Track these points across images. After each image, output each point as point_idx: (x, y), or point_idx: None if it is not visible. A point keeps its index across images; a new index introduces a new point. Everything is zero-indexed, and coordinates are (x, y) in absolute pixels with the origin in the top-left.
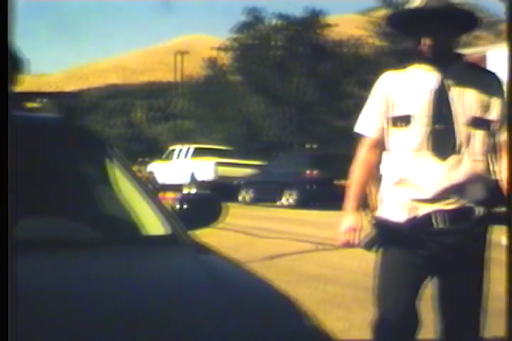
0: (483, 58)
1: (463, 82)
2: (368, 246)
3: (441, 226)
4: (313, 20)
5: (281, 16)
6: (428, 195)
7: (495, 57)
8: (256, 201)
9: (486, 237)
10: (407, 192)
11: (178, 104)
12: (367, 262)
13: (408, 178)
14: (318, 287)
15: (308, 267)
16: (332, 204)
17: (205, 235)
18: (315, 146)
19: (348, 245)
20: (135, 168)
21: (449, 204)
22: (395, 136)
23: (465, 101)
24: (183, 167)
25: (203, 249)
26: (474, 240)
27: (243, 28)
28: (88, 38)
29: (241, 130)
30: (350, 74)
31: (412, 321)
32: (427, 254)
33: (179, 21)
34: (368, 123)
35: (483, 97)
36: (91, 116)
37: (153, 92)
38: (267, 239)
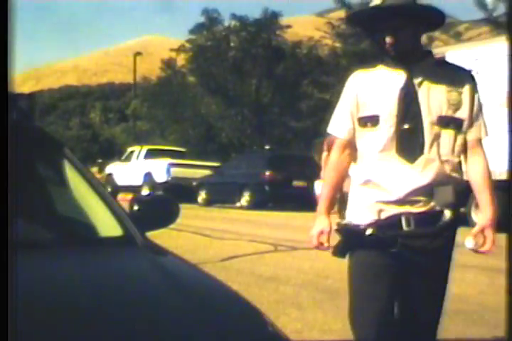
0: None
1: (431, 79)
2: (341, 253)
3: (408, 229)
4: (270, 22)
5: (237, 17)
6: (395, 197)
7: (454, 58)
8: (214, 202)
9: (454, 240)
10: (374, 194)
11: (135, 105)
12: (321, 263)
13: (375, 180)
14: (273, 288)
15: (263, 268)
16: (290, 205)
17: (162, 236)
18: (273, 147)
19: (321, 248)
20: (94, 170)
21: (416, 207)
22: (364, 137)
23: (434, 99)
24: (140, 168)
25: (159, 251)
26: (443, 243)
27: (200, 29)
28: (44, 39)
29: (198, 131)
30: (306, 75)
31: (391, 331)
32: (395, 257)
33: (136, 22)
34: (338, 124)
35: (453, 95)
36: (47, 117)
37: (110, 93)
38: (223, 240)
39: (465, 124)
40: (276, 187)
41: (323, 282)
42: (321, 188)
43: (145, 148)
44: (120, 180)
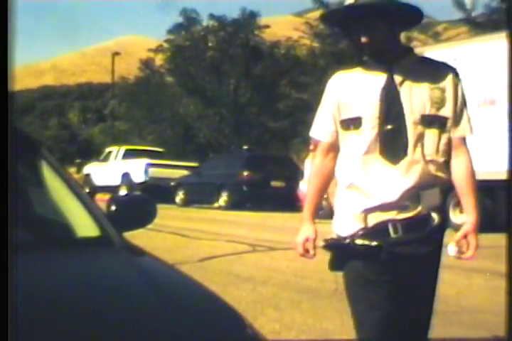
0: None
1: (413, 77)
2: (337, 268)
3: (396, 236)
4: (248, 22)
5: (216, 18)
6: (380, 203)
7: (433, 58)
8: (192, 202)
9: (442, 242)
10: (359, 200)
11: (113, 106)
12: (299, 263)
13: (359, 185)
14: (251, 288)
15: (241, 268)
16: (268, 205)
17: (140, 237)
18: (251, 147)
19: (306, 256)
20: (72, 170)
21: (403, 213)
22: (347, 140)
23: (416, 98)
24: (119, 168)
25: (136, 251)
26: (432, 247)
27: (178, 29)
28: (23, 39)
29: (176, 131)
30: (284, 75)
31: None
32: (386, 265)
33: (114, 22)
34: (321, 127)
35: (436, 92)
36: (25, 117)
37: (89, 93)
38: (201, 240)
39: (449, 122)
40: (254, 187)
41: (301, 282)
42: (306, 193)
43: (123, 149)
44: (98, 181)
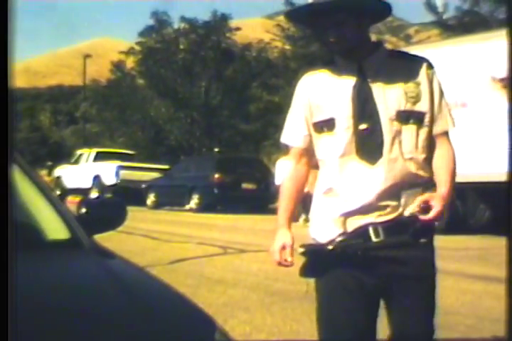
0: None
1: (385, 73)
2: (309, 275)
3: (378, 239)
4: (219, 24)
5: (187, 20)
6: (359, 205)
7: None
8: (163, 205)
9: (432, 247)
10: (337, 204)
11: (84, 108)
12: (269, 265)
13: (337, 188)
14: (222, 291)
15: (212, 271)
16: (239, 207)
17: (111, 239)
18: (222, 150)
19: (283, 264)
20: (43, 172)
21: (383, 215)
22: (322, 143)
23: (390, 94)
24: (90, 171)
25: (106, 254)
26: (420, 251)
27: (149, 31)
28: None
29: (147, 133)
30: (256, 77)
31: None
32: (367, 273)
33: (86, 24)
34: (292, 131)
35: (411, 86)
36: None
37: (60, 96)
38: (171, 243)
39: (427, 117)
40: (225, 189)
41: (272, 285)
42: (279, 200)
43: (94, 151)
44: (69, 183)
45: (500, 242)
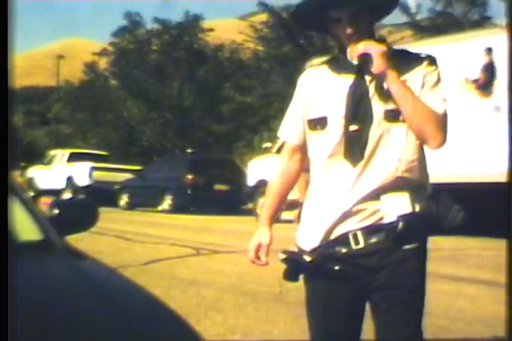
0: None
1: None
2: (291, 278)
3: (357, 247)
4: (191, 25)
5: (160, 21)
6: (341, 210)
7: None
8: (135, 206)
9: (420, 254)
10: (322, 209)
11: (57, 109)
12: (242, 266)
13: (322, 192)
14: (195, 292)
15: (185, 272)
16: (212, 208)
17: (84, 240)
18: (194, 151)
19: (257, 263)
20: (16, 173)
21: (363, 220)
22: (313, 141)
23: (382, 93)
24: (62, 172)
25: (79, 255)
26: (404, 257)
27: (122, 32)
28: None
29: (120, 134)
30: (228, 78)
31: None
32: (346, 284)
33: (59, 25)
34: (288, 127)
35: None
36: None
37: (33, 97)
38: (144, 244)
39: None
40: (198, 190)
41: (245, 286)
42: (265, 196)
43: (67, 152)
44: (42, 184)
45: (473, 243)
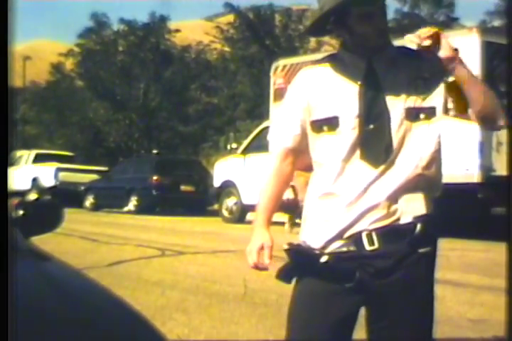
0: None
1: (395, 69)
2: (286, 278)
3: (371, 248)
4: (158, 26)
5: (126, 22)
6: (356, 211)
7: None
8: (101, 207)
9: (432, 258)
10: (333, 208)
11: (24, 110)
12: (208, 268)
13: (336, 192)
14: (160, 292)
15: (150, 273)
16: (177, 209)
17: (49, 241)
18: (160, 152)
19: (260, 266)
20: None
21: (379, 221)
22: (320, 144)
23: (399, 91)
24: (27, 173)
25: (43, 256)
26: (417, 262)
27: (88, 33)
28: None
29: (86, 135)
30: (195, 79)
31: None
32: (357, 285)
33: (24, 26)
34: (282, 130)
35: (420, 82)
36: None
37: None
38: (110, 244)
39: (439, 111)
40: (164, 191)
41: (210, 287)
42: (259, 198)
43: (33, 153)
44: (8, 185)
45: (439, 244)
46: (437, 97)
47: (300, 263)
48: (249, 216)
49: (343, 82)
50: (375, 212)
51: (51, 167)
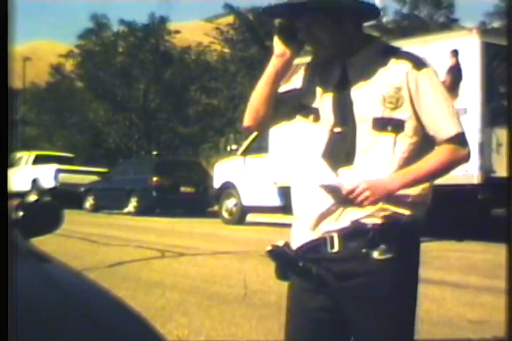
0: None
1: (367, 75)
2: (280, 277)
3: (332, 250)
4: (158, 27)
5: (126, 23)
6: (321, 209)
7: None
8: (101, 208)
9: (403, 263)
10: (304, 209)
11: (23, 111)
12: (207, 269)
13: (303, 187)
14: (159, 294)
15: (150, 274)
16: (177, 211)
17: (49, 243)
18: (160, 153)
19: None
20: None
21: (340, 222)
22: (301, 130)
23: (368, 98)
24: (27, 174)
25: (43, 257)
26: (381, 269)
27: (88, 34)
28: None
29: (86, 136)
30: (194, 80)
31: None
32: (321, 288)
33: (24, 27)
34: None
35: (390, 92)
36: None
37: None
38: (110, 246)
39: (409, 125)
40: (164, 192)
41: (210, 288)
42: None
43: (33, 154)
44: (8, 186)
45: (438, 245)
46: (407, 110)
47: (280, 264)
48: (249, 217)
49: (323, 82)
50: (335, 215)
51: (51, 168)
